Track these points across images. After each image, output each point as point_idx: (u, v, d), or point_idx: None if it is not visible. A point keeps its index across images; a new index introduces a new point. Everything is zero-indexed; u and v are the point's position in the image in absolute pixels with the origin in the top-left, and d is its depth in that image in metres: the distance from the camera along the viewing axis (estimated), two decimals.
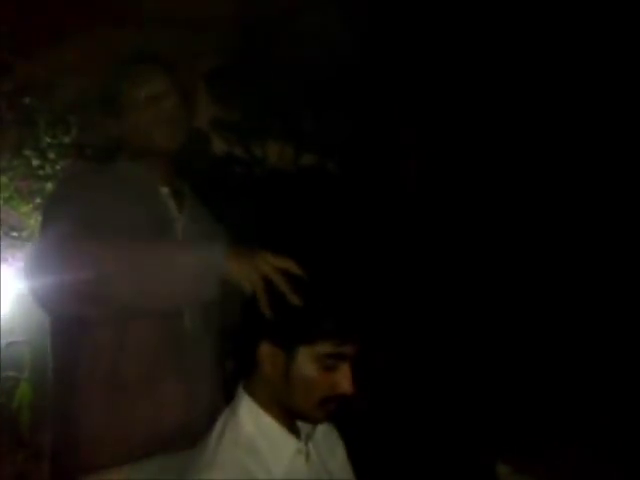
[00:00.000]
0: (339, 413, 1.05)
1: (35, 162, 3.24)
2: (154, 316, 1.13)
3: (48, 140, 3.23)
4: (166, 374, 1.19)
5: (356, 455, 1.22)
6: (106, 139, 1.53)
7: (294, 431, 1.03)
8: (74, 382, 1.17)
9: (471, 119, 2.75)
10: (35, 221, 3.31)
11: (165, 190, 1.34)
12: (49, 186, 3.33)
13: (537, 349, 2.55)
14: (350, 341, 0.96)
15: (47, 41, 2.51)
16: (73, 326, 1.17)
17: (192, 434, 1.09)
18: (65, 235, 1.06)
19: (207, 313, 1.26)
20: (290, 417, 1.01)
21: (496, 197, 2.79)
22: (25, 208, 3.27)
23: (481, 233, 2.71)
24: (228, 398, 1.09)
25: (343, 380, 0.95)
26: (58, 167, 3.29)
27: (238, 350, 1.07)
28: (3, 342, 3.73)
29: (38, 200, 3.28)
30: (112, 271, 0.99)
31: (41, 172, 3.27)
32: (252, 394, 1.01)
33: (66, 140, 3.26)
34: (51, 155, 3.26)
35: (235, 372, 1.11)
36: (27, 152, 3.20)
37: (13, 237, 3.33)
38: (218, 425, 1.02)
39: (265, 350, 0.97)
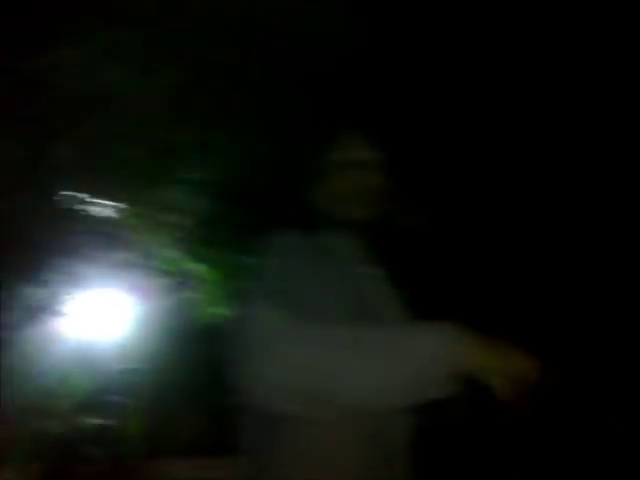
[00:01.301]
0: None
1: (177, 196, 3.33)
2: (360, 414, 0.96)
3: (192, 176, 3.33)
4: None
5: None
6: (301, 204, 1.44)
7: None
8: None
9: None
10: (170, 253, 3.39)
11: (364, 268, 1.20)
12: (185, 220, 3.42)
13: None
14: None
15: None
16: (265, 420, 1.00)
17: None
18: (280, 318, 0.92)
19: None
20: None
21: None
22: (160, 238, 3.34)
23: None
24: None
25: None
26: (196, 203, 3.38)
27: None
28: (121, 368, 3.75)
29: (175, 233, 3.36)
30: (340, 364, 0.84)
31: (180, 206, 3.36)
32: None
33: (207, 178, 3.36)
34: (190, 191, 3.36)
35: None
36: (172, 186, 3.30)
37: (145, 265, 3.39)
38: None
39: None
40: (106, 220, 3.24)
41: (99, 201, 3.22)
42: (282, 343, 0.86)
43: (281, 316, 0.90)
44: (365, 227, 1.22)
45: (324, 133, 1.27)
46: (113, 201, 3.24)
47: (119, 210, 3.26)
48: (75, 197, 3.08)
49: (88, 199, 3.14)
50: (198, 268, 3.29)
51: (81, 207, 3.12)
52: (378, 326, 1.02)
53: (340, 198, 1.18)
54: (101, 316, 3.66)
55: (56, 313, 3.18)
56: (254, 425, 1.02)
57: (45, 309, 3.03)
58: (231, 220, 3.29)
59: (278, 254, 1.09)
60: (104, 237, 3.22)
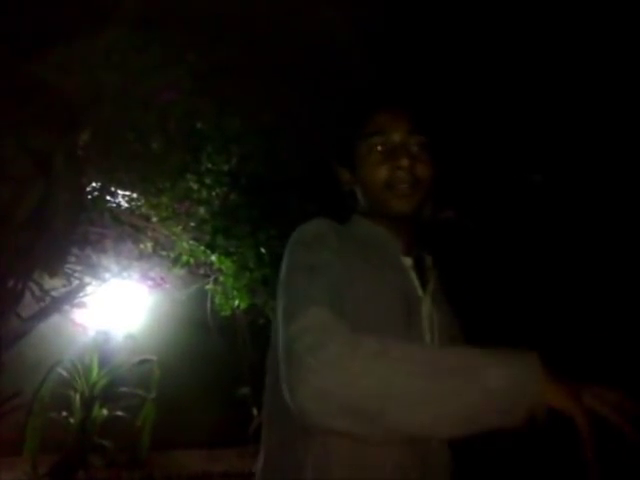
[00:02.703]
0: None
1: (194, 186, 3.31)
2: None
3: (209, 166, 3.31)
4: None
5: None
6: (339, 193, 1.32)
7: None
8: None
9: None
10: (187, 244, 3.38)
11: (408, 261, 1.09)
12: (202, 210, 3.41)
13: None
14: None
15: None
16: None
17: None
18: (339, 325, 0.84)
19: None
20: None
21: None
22: (177, 229, 3.33)
23: None
24: None
25: None
26: (214, 193, 3.37)
27: None
28: (135, 359, 3.76)
29: (192, 223, 3.35)
30: (400, 384, 0.77)
31: (197, 196, 3.35)
32: None
33: (225, 168, 3.34)
34: (208, 181, 3.34)
35: None
36: (188, 176, 3.28)
37: (162, 256, 3.39)
38: None
39: None
40: (124, 211, 3.23)
41: (116, 191, 3.21)
42: (346, 356, 0.78)
43: (341, 324, 0.83)
44: (409, 222, 1.09)
45: (355, 113, 1.11)
46: (131, 191, 3.23)
47: (136, 200, 3.25)
48: (93, 187, 3.07)
49: (106, 189, 3.13)
50: (216, 259, 3.28)
51: (99, 197, 3.10)
52: (448, 348, 0.95)
53: (379, 187, 1.05)
54: (118, 307, 3.67)
55: (75, 304, 3.17)
56: (286, 430, 0.94)
57: (64, 300, 3.02)
58: (250, 211, 3.28)
59: (320, 246, 0.98)
60: (122, 228, 3.21)
